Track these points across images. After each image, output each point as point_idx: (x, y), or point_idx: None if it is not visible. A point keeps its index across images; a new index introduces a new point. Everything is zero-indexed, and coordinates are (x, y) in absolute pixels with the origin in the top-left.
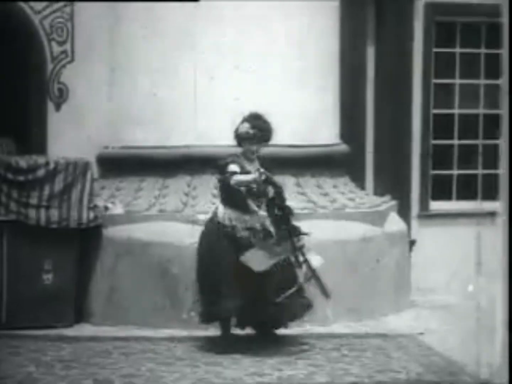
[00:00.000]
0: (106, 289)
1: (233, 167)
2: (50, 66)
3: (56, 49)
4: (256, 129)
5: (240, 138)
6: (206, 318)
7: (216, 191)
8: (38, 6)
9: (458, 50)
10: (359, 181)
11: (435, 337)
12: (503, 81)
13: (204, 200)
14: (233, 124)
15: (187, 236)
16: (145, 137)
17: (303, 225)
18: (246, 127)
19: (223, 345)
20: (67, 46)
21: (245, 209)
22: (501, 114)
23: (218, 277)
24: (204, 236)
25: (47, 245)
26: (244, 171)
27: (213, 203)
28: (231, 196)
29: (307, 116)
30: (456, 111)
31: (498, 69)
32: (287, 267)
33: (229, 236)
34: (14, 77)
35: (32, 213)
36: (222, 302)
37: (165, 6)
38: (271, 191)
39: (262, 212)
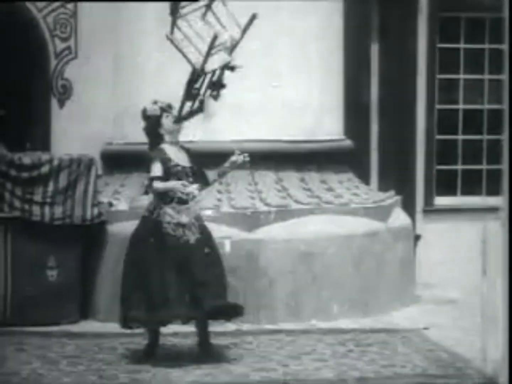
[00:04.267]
0: (111, 285)
1: (156, 170)
2: (53, 63)
3: (60, 45)
4: (166, 105)
5: (157, 116)
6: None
7: (221, 187)
8: (41, 2)
9: (462, 45)
10: (364, 177)
11: (440, 332)
12: (504, 76)
13: (210, 195)
14: (238, 121)
15: None
16: None
17: (307, 220)
18: (157, 104)
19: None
20: (71, 43)
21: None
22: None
23: (163, 280)
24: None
25: (51, 242)
26: (173, 164)
27: (219, 199)
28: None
29: (311, 112)
30: (460, 106)
31: (502, 64)
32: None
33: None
34: (18, 74)
35: (36, 209)
36: (170, 306)
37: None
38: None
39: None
